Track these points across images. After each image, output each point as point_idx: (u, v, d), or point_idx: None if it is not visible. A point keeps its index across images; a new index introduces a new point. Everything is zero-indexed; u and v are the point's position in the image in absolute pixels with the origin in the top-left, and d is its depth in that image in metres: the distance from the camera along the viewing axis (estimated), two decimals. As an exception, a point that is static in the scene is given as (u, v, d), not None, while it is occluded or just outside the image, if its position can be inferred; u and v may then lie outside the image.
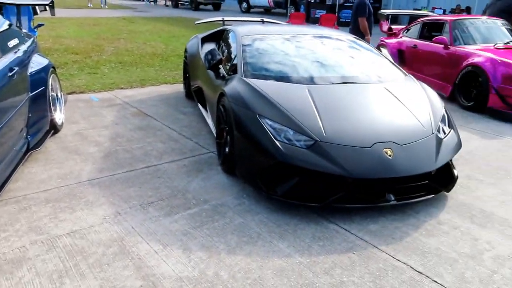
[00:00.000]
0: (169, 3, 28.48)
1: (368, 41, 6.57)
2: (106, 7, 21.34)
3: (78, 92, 5.95)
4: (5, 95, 3.09)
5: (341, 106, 3.38)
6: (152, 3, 30.61)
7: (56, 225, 2.71)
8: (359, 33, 6.61)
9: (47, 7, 7.67)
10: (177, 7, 26.71)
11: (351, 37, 4.83)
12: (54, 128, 4.18)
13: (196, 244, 2.56)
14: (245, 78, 3.69)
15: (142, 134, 4.44)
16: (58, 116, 4.37)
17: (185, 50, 6.13)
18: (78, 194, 3.11)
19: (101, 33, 12.01)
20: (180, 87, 6.49)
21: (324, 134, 3.00)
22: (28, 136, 3.55)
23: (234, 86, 3.63)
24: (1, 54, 3.33)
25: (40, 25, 7.90)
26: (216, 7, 25.35)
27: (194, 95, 5.44)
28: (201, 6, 25.43)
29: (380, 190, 2.94)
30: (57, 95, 4.42)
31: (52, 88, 4.21)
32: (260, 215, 2.92)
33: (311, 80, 3.74)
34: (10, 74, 3.25)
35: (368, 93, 3.64)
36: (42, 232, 2.62)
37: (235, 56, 4.18)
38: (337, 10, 18.36)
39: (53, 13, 5.85)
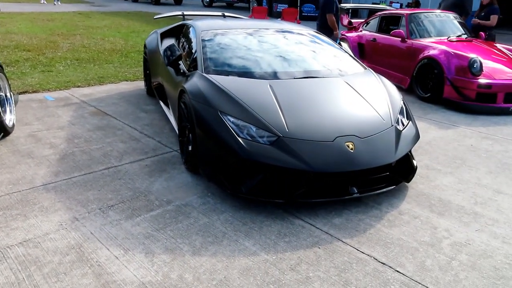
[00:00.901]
0: (128, -3, 27.70)
1: (336, 36, 6.63)
2: (59, 3, 20.22)
3: (31, 91, 5.66)
4: None
5: (303, 100, 3.37)
6: None
7: (7, 234, 2.55)
8: (327, 29, 6.66)
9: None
10: (136, 1, 26.03)
11: (312, 31, 4.84)
12: (4, 131, 3.95)
13: (159, 246, 2.49)
14: (205, 74, 3.62)
15: (101, 134, 4.28)
16: (8, 117, 4.13)
17: (145, 46, 5.96)
18: (32, 200, 2.95)
19: (56, 29, 11.50)
20: (141, 84, 6.32)
21: (287, 130, 2.99)
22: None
23: (194, 82, 3.55)
24: None
25: (-14, 21, 7.46)
26: (178, 1, 24.89)
27: (155, 92, 5.30)
28: (162, 0, 24.90)
29: (343, 184, 2.96)
30: (5, 95, 4.17)
31: (0, 88, 3.97)
32: (226, 214, 2.88)
33: (272, 75, 3.72)
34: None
35: (329, 87, 3.66)
36: (-8, 243, 2.46)
37: (195, 52, 4.09)
38: (299, 5, 18.46)
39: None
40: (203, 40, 4.15)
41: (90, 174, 3.38)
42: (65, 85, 6.04)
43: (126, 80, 6.60)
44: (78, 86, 6.06)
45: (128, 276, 2.23)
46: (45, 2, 19.81)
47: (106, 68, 7.26)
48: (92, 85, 6.19)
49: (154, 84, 5.32)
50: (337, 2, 6.74)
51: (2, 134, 3.91)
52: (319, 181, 2.90)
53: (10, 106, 4.23)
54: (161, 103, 4.96)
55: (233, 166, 2.98)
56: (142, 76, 6.36)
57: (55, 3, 20.13)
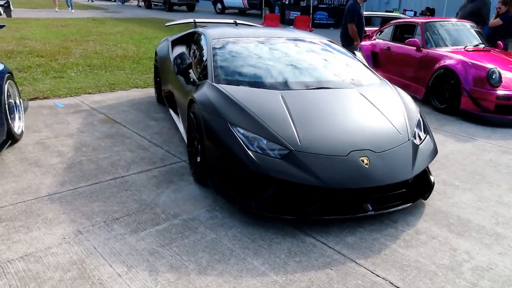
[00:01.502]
0: (141, 3, 27.94)
1: (356, 47, 6.54)
2: (73, 11, 20.28)
3: (41, 97, 5.64)
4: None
5: (316, 112, 3.26)
6: (120, 3, 29.86)
7: (8, 247, 2.48)
8: (349, 38, 6.59)
9: (1, 8, 7.28)
10: (150, 8, 26.24)
11: (325, 40, 4.74)
12: (12, 138, 3.91)
13: (164, 264, 2.39)
14: (215, 84, 3.53)
15: (109, 142, 4.22)
16: (17, 124, 4.09)
17: (156, 53, 5.92)
18: (36, 211, 2.88)
19: (69, 35, 11.59)
20: (151, 91, 6.27)
21: (299, 143, 2.88)
22: (-18, 148, 3.29)
23: (204, 92, 3.47)
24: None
25: (0, 27, 7.52)
26: (190, 8, 25.02)
27: (165, 100, 5.24)
28: (175, 7, 25.05)
29: (357, 200, 2.83)
30: (15, 102, 4.14)
31: (9, 95, 3.94)
32: (234, 229, 2.77)
33: (284, 85, 3.62)
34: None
35: (343, 99, 3.55)
36: (-7, 257, 2.39)
37: (206, 60, 4.01)
38: (311, 12, 18.39)
39: (9, 14, 5.52)
40: (213, 48, 4.07)
41: (96, 185, 3.30)
42: (76, 91, 6.01)
43: (137, 87, 6.56)
44: (89, 93, 6.03)
45: (130, 296, 2.13)
46: (57, 10, 19.88)
47: (118, 75, 7.24)
48: (103, 92, 6.15)
49: (164, 92, 5.26)
50: (361, 12, 6.64)
51: (10, 141, 3.86)
52: (332, 198, 2.78)
53: (19, 113, 4.19)
54: (171, 112, 4.89)
55: (243, 180, 2.87)
56: (153, 83, 6.32)
57: (69, 10, 20.20)
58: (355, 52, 5.00)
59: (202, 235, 2.69)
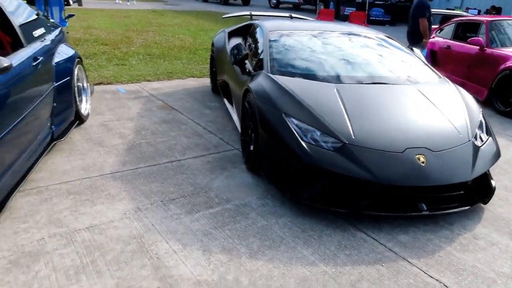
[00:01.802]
0: (198, -3, 28.47)
1: (424, 45, 6.30)
2: (134, 3, 20.99)
3: (105, 83, 5.96)
4: (28, 84, 3.07)
5: (372, 107, 3.22)
6: None
7: (76, 218, 2.67)
8: (417, 35, 6.30)
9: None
10: (206, 1, 26.71)
11: (382, 35, 4.63)
12: (79, 119, 4.18)
13: (217, 245, 2.48)
14: (271, 75, 3.58)
15: (166, 127, 4.39)
16: (84, 106, 4.36)
17: (212, 44, 6.06)
18: (100, 187, 3.07)
19: (131, 25, 12.09)
20: (207, 81, 6.43)
21: (353, 137, 2.86)
22: (53, 126, 3.54)
23: (259, 82, 3.52)
24: (26, 44, 3.31)
25: (70, 16, 7.99)
26: (245, 2, 25.20)
27: (220, 89, 5.36)
28: (230, 1, 25.35)
29: (411, 199, 2.78)
30: (83, 85, 4.41)
31: (78, 79, 4.20)
32: (284, 218, 2.81)
33: (340, 79, 3.59)
34: (34, 63, 3.23)
35: (401, 95, 3.47)
36: (61, 225, 2.59)
37: (262, 52, 4.06)
38: (367, 8, 17.93)
39: (80, 3, 5.86)
40: (270, 41, 4.11)
41: (154, 166, 3.47)
42: (137, 78, 6.30)
43: (193, 77, 6.75)
44: (148, 80, 6.29)
45: (185, 272, 2.23)
46: (120, 1, 20.63)
47: (175, 64, 7.48)
48: (161, 80, 6.40)
49: (220, 82, 5.38)
50: (430, 7, 6.35)
51: (77, 122, 4.13)
52: (385, 194, 2.74)
53: (86, 96, 4.47)
54: (225, 101, 5.00)
55: (295, 170, 2.90)
56: (208, 74, 6.47)
57: (128, 3, 20.84)
58: (413, 49, 4.84)
59: (253, 221, 2.76)
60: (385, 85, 3.59)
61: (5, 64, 2.36)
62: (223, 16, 7.12)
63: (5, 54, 2.82)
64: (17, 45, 3.21)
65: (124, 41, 9.33)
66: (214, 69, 5.85)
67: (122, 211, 2.78)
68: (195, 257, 2.36)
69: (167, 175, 3.33)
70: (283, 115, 3.04)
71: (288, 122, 2.98)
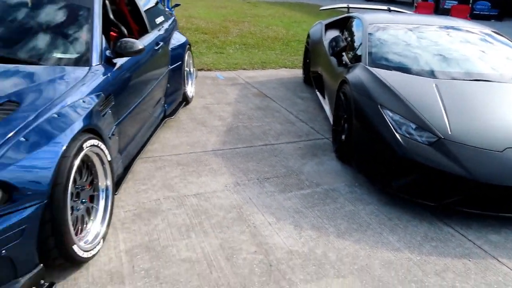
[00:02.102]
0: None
1: None
2: None
3: (206, 69, 6.45)
4: (152, 66, 3.54)
5: (472, 104, 3.17)
6: None
7: (185, 185, 3.06)
8: None
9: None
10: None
11: (488, 29, 4.43)
12: (186, 100, 4.65)
13: (307, 223, 2.69)
14: (368, 67, 3.66)
15: (261, 113, 4.69)
16: (190, 89, 4.83)
17: (308, 36, 6.22)
18: (204, 162, 3.45)
19: (228, 16, 12.69)
20: (298, 72, 6.63)
21: (449, 132, 2.87)
22: (165, 105, 4.02)
23: (357, 74, 3.63)
24: (150, 29, 3.79)
25: (177, 5, 8.67)
26: (339, -7, 24.82)
27: (312, 81, 5.53)
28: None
29: (505, 199, 2.73)
30: (190, 70, 4.87)
31: (186, 64, 4.66)
32: (371, 206, 2.94)
33: (439, 74, 3.56)
34: (156, 47, 3.70)
35: (502, 93, 3.36)
36: (173, 190, 2.99)
37: (360, 44, 4.15)
38: (471, 1, 16.67)
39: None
40: (369, 34, 4.17)
41: (250, 148, 3.77)
42: (234, 66, 6.71)
43: (285, 67, 6.99)
44: (244, 69, 6.67)
45: (278, 242, 2.48)
46: None
47: (269, 54, 7.79)
48: (256, 69, 6.74)
49: (313, 73, 5.54)
50: None
51: (184, 103, 4.60)
52: (478, 192, 2.73)
53: (192, 80, 4.93)
54: (317, 92, 5.16)
55: (388, 162, 2.99)
56: (301, 65, 6.66)
57: None
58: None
59: (341, 205, 2.92)
60: (488, 82, 3.49)
61: (140, 47, 2.78)
62: (320, 9, 7.24)
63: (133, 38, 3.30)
64: (143, 31, 3.70)
65: (222, 30, 9.87)
66: (307, 60, 6.02)
67: (223, 183, 3.12)
68: (288, 230, 2.60)
69: (262, 156, 3.62)
70: (378, 106, 3.14)
71: (383, 113, 3.07)
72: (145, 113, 3.36)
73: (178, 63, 4.30)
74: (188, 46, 4.71)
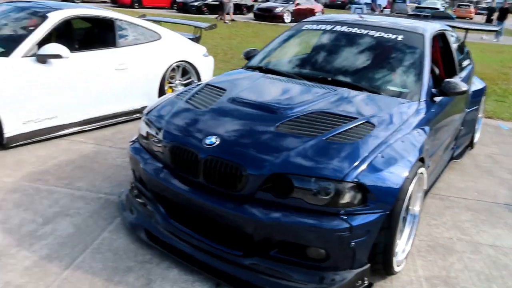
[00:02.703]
0: None
1: None
2: (500, 38, 19.26)
3: (486, 117, 6.01)
4: (455, 107, 3.54)
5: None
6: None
7: (477, 232, 2.96)
8: None
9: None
10: None
11: None
12: (471, 145, 4.47)
13: None
14: None
15: None
16: (476, 135, 4.61)
17: None
18: (496, 213, 3.24)
19: (506, 61, 11.49)
20: None
21: None
22: (454, 147, 3.96)
23: None
24: (458, 72, 3.80)
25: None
26: None
27: None
28: None
29: None
30: (479, 116, 4.66)
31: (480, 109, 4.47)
32: None
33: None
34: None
35: None
36: (465, 234, 2.92)
37: None
38: None
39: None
40: None
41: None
42: (516, 117, 6.04)
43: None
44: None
45: None
46: (485, 37, 19.36)
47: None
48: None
49: None
50: None
51: (469, 147, 4.43)
52: None
53: (479, 125, 4.70)
54: None
55: None
56: None
57: (495, 39, 19.26)
58: None
59: None
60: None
61: (464, 89, 2.86)
62: None
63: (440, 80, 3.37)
64: (451, 72, 3.76)
65: (501, 77, 9.00)
66: None
67: None
68: None
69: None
70: None
71: None
72: (442, 152, 3.41)
73: (474, 107, 4.18)
74: (484, 91, 4.52)
